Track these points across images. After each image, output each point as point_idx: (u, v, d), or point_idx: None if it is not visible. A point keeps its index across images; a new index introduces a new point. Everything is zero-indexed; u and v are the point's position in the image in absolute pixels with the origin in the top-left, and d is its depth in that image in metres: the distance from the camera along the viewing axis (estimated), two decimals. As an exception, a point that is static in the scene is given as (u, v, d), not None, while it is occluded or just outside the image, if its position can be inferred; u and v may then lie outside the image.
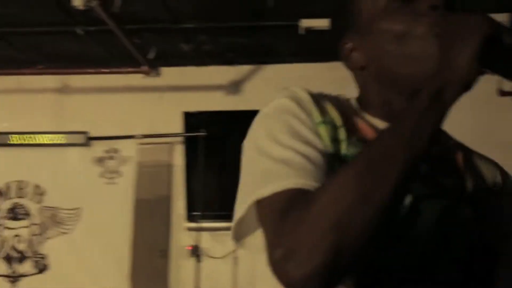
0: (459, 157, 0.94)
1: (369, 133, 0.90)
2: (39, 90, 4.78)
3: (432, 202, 0.86)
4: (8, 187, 4.12)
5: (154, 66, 4.18)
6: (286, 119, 0.86)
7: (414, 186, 0.82)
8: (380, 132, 0.82)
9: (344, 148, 0.85)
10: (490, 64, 0.73)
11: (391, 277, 0.82)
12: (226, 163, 4.29)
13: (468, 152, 0.98)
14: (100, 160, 4.11)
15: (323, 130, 0.85)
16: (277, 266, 0.71)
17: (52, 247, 3.95)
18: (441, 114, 0.73)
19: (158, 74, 4.26)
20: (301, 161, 0.79)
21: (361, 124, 0.91)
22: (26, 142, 4.08)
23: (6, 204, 4.08)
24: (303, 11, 3.60)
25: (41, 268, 3.95)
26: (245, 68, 4.60)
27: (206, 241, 4.26)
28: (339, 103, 0.94)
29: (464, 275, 0.84)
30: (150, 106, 4.63)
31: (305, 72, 4.49)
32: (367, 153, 0.74)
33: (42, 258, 3.94)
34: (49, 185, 4.03)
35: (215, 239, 4.34)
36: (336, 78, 4.04)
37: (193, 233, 4.32)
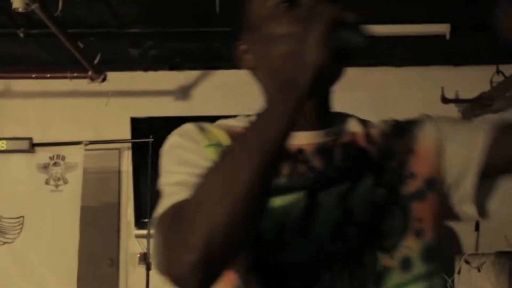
0: (359, 140, 0.99)
1: None
2: None
3: (327, 191, 0.92)
4: None
5: (100, 71, 4.08)
6: (175, 153, 0.96)
7: (309, 181, 0.92)
8: (238, 135, 0.89)
9: None
10: (338, 47, 0.76)
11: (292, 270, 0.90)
12: None
13: (372, 133, 1.02)
14: (44, 167, 4.07)
15: (211, 152, 0.93)
16: (161, 269, 0.79)
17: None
18: (296, 102, 0.76)
19: (104, 79, 4.18)
20: (191, 180, 0.84)
21: None
22: None
23: None
24: None
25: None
26: (193, 74, 4.60)
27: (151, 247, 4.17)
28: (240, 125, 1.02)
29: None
30: (96, 111, 4.55)
31: (251, 77, 4.53)
32: (223, 156, 0.81)
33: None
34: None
35: None
36: None
37: (143, 240, 4.28)
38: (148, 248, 4.08)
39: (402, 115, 2.82)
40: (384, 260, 0.91)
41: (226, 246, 0.77)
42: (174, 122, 3.36)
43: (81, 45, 3.70)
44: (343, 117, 1.06)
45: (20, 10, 3.02)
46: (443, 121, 1.01)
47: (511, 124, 0.94)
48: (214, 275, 0.80)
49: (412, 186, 0.94)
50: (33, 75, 4.27)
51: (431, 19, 3.53)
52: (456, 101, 4.22)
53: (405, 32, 3.56)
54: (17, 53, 4.22)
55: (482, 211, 0.95)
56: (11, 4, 3.05)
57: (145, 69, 4.60)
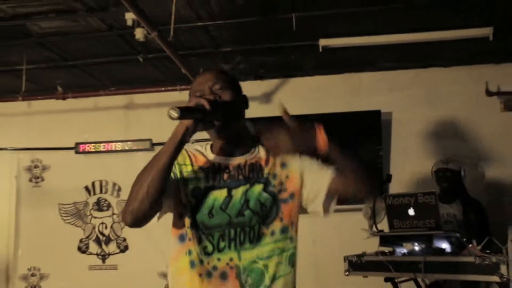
0: (262, 161, 1.57)
1: (202, 161, 1.58)
2: (111, 107, 5.03)
3: (236, 189, 1.52)
4: (93, 185, 4.57)
5: None
6: None
7: (229, 183, 1.52)
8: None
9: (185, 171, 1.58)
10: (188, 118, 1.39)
11: (212, 228, 1.51)
12: None
13: (270, 159, 1.58)
14: None
15: (177, 168, 1.54)
16: (121, 217, 1.57)
17: (129, 232, 4.34)
18: (172, 144, 1.40)
19: None
20: None
21: (200, 157, 1.60)
22: (103, 149, 4.45)
23: (93, 199, 4.52)
24: (321, 33, 3.80)
25: (122, 249, 4.42)
26: (273, 82, 4.84)
27: None
28: (195, 151, 1.63)
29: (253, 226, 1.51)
30: None
31: (323, 82, 4.72)
32: (149, 161, 1.43)
33: (123, 240, 4.39)
34: (124, 182, 4.38)
35: None
36: (348, 86, 4.52)
37: None
38: None
39: (452, 108, 3.79)
40: (262, 229, 1.50)
41: (138, 206, 1.39)
42: (261, 121, 3.72)
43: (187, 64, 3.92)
44: (257, 145, 1.61)
45: (141, 40, 3.35)
46: (306, 160, 1.56)
47: (341, 171, 1.47)
48: (136, 218, 1.41)
49: (283, 196, 1.54)
50: (151, 90, 4.58)
51: (475, 23, 3.60)
52: (499, 93, 4.26)
53: (452, 36, 3.70)
54: (137, 74, 4.58)
55: (326, 211, 1.54)
56: (133, 35, 3.37)
57: None
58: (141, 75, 4.62)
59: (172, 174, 1.49)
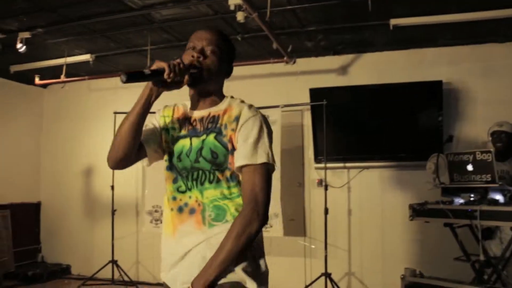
0: (221, 113, 1.57)
1: (180, 114, 1.64)
2: None
3: (197, 138, 1.55)
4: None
5: (291, 57, 4.64)
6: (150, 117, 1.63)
7: (191, 133, 1.56)
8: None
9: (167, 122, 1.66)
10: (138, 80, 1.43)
11: (180, 170, 1.58)
12: (340, 123, 4.83)
13: (227, 110, 1.56)
14: None
15: (162, 120, 1.65)
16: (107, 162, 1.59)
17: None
18: (138, 106, 1.49)
19: (294, 62, 4.68)
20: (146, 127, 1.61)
21: (181, 109, 1.66)
22: None
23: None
24: (391, 13, 3.96)
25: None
26: (349, 57, 5.15)
27: (328, 176, 4.82)
28: (181, 105, 1.68)
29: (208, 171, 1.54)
30: (288, 84, 5.20)
31: (391, 57, 4.99)
32: (122, 120, 1.52)
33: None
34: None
35: (335, 175, 5.01)
36: (415, 60, 4.89)
37: (319, 171, 4.98)
38: (325, 176, 4.69)
39: (506, 81, 4.29)
40: (217, 175, 1.51)
41: (117, 151, 1.52)
42: (338, 90, 4.90)
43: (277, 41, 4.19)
44: (228, 101, 1.60)
45: (241, 21, 3.62)
46: (248, 124, 1.49)
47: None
48: (115, 162, 1.56)
49: (230, 146, 1.50)
50: (248, 63, 4.97)
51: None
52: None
53: (507, 14, 3.77)
54: (236, 50, 5.02)
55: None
56: (234, 18, 3.65)
57: (316, 55, 5.18)
58: (238, 51, 4.77)
59: (155, 124, 1.65)
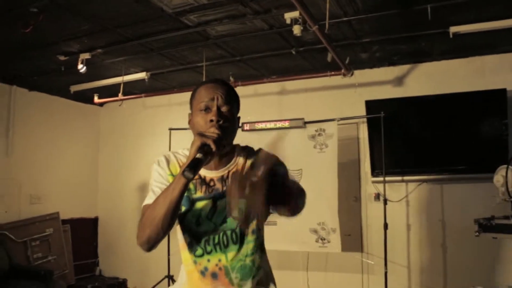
0: (240, 167, 1.53)
1: None
2: (267, 93, 5.47)
3: (221, 200, 1.50)
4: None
5: (349, 69, 4.41)
6: (155, 173, 1.53)
7: (214, 195, 1.49)
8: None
9: None
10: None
11: (201, 236, 1.51)
12: (397, 136, 4.59)
13: (245, 164, 1.54)
14: (312, 137, 4.55)
15: (171, 178, 1.50)
16: (137, 242, 1.39)
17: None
18: (181, 184, 1.32)
19: (352, 74, 4.47)
20: (159, 191, 1.43)
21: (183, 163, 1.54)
22: (262, 128, 4.72)
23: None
24: (449, 21, 3.74)
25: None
26: (405, 67, 4.95)
27: (386, 189, 4.56)
28: (182, 156, 1.57)
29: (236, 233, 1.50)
30: (342, 97, 5.06)
31: (449, 66, 4.74)
32: (160, 194, 1.38)
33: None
34: (283, 156, 4.70)
35: (392, 188, 4.79)
36: (473, 69, 4.59)
37: (376, 185, 4.81)
38: (384, 189, 4.45)
39: None
40: (244, 230, 1.49)
41: (155, 238, 1.36)
42: (395, 102, 4.22)
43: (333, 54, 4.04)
44: (239, 152, 1.57)
45: (298, 34, 3.50)
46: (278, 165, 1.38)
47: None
48: (153, 246, 1.39)
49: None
50: (303, 77, 4.85)
51: None
52: None
53: None
54: (288, 64, 4.86)
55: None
56: (289, 32, 3.57)
57: (371, 66, 5.02)
58: (292, 65, 4.89)
59: (166, 184, 1.50)
